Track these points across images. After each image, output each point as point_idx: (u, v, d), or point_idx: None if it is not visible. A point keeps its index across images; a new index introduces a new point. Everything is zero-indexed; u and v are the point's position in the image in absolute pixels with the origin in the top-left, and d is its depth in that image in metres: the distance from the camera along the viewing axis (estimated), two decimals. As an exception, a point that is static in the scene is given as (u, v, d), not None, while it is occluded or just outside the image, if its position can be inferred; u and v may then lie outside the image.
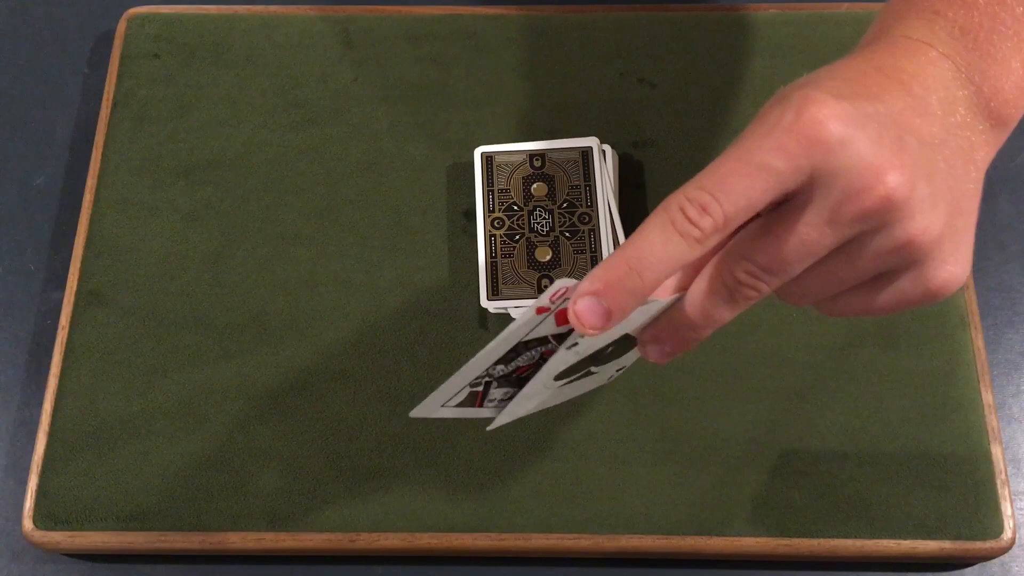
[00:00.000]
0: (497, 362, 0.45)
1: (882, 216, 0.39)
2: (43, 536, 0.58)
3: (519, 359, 0.46)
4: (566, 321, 0.41)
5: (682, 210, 0.39)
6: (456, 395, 0.46)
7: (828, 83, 0.41)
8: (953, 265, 0.42)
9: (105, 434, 0.60)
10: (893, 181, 0.38)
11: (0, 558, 0.60)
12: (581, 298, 0.40)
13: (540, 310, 0.42)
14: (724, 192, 0.39)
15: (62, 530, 0.58)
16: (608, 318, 0.40)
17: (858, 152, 0.38)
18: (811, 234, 0.40)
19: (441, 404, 0.46)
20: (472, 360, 0.44)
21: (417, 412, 0.46)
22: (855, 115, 0.39)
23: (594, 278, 0.40)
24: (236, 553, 0.59)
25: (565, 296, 0.42)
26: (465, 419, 0.48)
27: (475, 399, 0.47)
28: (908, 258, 0.41)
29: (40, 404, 0.61)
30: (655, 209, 0.40)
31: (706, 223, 0.39)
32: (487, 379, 0.46)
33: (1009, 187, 0.70)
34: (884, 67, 0.42)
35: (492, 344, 0.44)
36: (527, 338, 0.44)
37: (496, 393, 0.48)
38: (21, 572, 0.60)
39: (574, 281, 0.42)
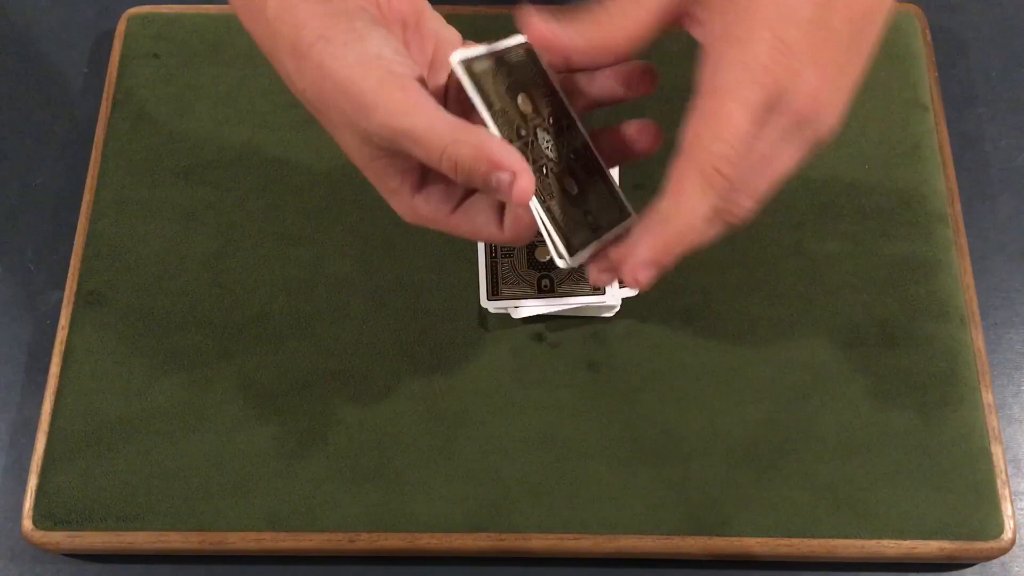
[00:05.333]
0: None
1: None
2: (43, 536, 0.58)
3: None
4: None
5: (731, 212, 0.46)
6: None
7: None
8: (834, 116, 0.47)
9: (105, 434, 0.60)
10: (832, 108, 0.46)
11: (0, 558, 0.60)
12: (644, 269, 0.45)
13: None
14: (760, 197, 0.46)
15: (62, 530, 0.58)
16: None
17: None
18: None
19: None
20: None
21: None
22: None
23: (654, 248, 0.45)
24: (236, 553, 0.59)
25: None
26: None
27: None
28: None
29: (40, 404, 0.61)
30: (701, 183, 0.44)
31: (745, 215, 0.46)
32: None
33: (1009, 187, 0.70)
34: None
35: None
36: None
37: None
38: (21, 572, 0.60)
39: None
